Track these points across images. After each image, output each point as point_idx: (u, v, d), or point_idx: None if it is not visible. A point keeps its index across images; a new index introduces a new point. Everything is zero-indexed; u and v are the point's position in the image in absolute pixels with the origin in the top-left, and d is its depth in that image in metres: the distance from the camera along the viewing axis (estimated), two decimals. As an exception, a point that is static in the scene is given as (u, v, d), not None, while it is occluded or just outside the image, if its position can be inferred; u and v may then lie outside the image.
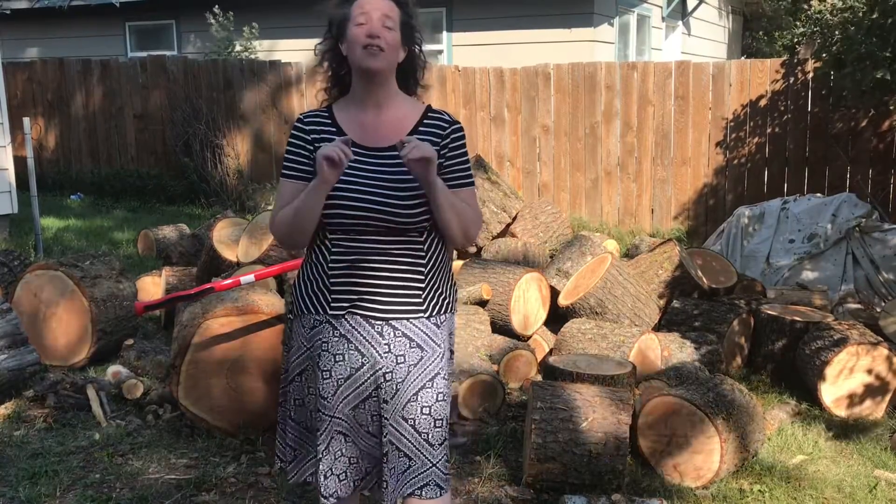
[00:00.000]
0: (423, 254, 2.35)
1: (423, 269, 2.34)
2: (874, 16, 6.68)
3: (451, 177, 2.37)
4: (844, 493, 3.49)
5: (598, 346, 4.55)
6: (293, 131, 2.40)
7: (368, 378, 2.36)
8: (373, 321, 2.33)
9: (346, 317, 2.33)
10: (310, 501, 3.24)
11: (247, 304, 3.84)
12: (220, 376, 3.81)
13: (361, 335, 2.33)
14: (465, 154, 2.41)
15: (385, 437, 2.39)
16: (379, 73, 2.31)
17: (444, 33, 11.12)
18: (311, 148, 2.35)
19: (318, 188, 2.24)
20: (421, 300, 2.35)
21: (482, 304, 4.93)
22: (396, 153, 2.30)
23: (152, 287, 5.63)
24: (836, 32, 7.06)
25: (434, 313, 2.38)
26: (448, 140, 2.37)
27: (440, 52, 11.09)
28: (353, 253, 2.31)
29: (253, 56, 11.24)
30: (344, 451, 2.42)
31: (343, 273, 2.32)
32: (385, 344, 2.34)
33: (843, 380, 4.33)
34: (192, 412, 3.84)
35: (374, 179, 2.29)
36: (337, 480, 2.42)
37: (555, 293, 5.13)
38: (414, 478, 2.47)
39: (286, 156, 2.39)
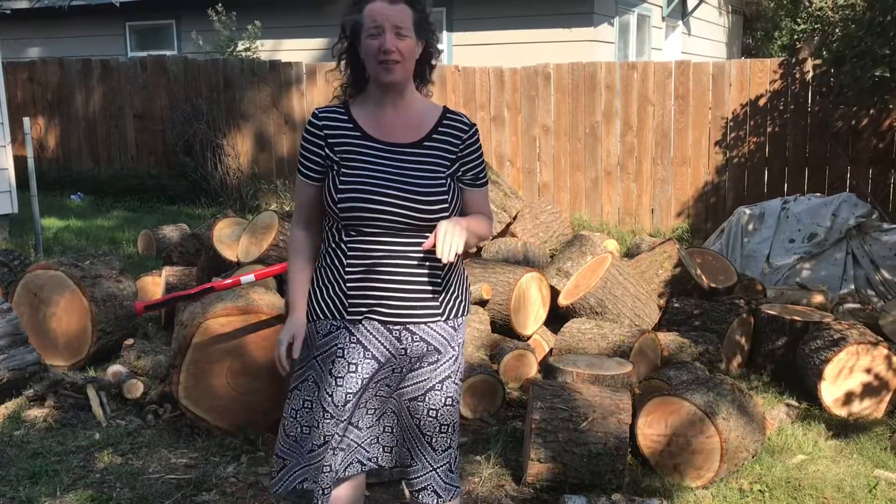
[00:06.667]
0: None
1: (439, 272, 2.32)
2: (874, 13, 6.67)
3: (469, 178, 2.39)
4: (844, 493, 3.49)
5: (598, 346, 4.55)
6: (307, 127, 2.38)
7: (379, 379, 2.36)
8: (390, 326, 2.30)
9: (363, 322, 2.30)
10: (310, 502, 3.24)
11: (247, 304, 3.84)
12: (221, 376, 3.81)
13: (378, 340, 2.31)
14: (482, 155, 2.43)
15: (386, 414, 2.42)
16: (396, 84, 2.30)
17: (444, 33, 11.12)
18: (324, 144, 2.32)
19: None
20: (438, 303, 2.33)
21: (482, 304, 4.93)
22: (416, 149, 2.31)
23: (152, 287, 5.62)
24: (837, 30, 7.05)
25: (451, 316, 2.37)
26: (467, 143, 2.38)
27: (440, 52, 11.08)
28: (369, 256, 2.27)
29: (255, 56, 11.23)
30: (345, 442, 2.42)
31: (360, 277, 2.28)
32: (402, 348, 2.32)
33: (842, 379, 4.33)
34: (192, 412, 3.84)
35: (394, 174, 2.27)
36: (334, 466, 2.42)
37: (555, 293, 5.13)
38: (415, 478, 2.47)
39: (301, 152, 2.39)
